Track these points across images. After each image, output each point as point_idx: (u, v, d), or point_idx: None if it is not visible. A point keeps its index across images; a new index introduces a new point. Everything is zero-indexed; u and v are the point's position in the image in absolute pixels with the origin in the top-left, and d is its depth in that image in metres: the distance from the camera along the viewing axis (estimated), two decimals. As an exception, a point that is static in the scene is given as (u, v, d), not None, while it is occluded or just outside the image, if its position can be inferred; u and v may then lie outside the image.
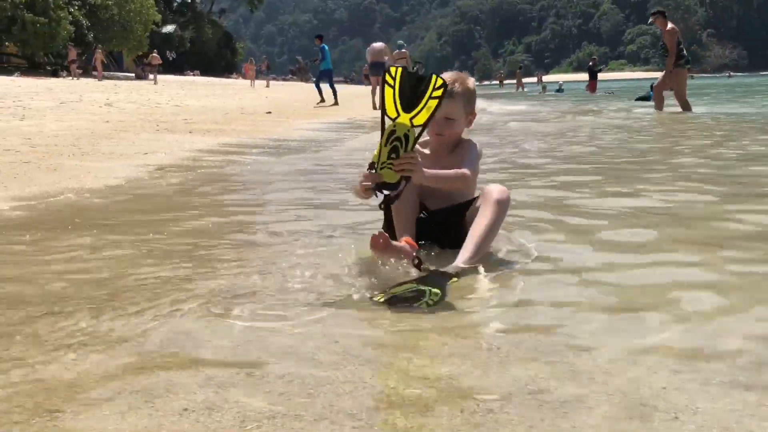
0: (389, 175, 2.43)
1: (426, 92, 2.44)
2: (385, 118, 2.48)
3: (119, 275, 2.72)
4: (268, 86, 37.64)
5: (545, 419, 1.50)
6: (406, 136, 2.43)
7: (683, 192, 4.53)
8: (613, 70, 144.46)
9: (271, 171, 6.58)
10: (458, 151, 2.99)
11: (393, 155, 2.42)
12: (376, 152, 2.45)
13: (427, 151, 3.00)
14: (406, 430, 1.47)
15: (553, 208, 4.04)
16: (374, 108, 18.28)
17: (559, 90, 38.07)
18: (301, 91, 35.14)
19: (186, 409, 1.56)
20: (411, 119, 2.45)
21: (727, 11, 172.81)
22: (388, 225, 2.93)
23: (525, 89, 41.42)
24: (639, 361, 1.81)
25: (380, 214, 2.92)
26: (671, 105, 14.21)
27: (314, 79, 23.73)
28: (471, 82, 3.00)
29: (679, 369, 1.75)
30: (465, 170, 2.81)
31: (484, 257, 2.74)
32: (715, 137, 8.73)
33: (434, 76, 2.47)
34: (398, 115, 2.44)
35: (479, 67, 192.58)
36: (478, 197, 2.88)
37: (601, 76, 35.29)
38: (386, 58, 20.17)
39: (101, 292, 2.49)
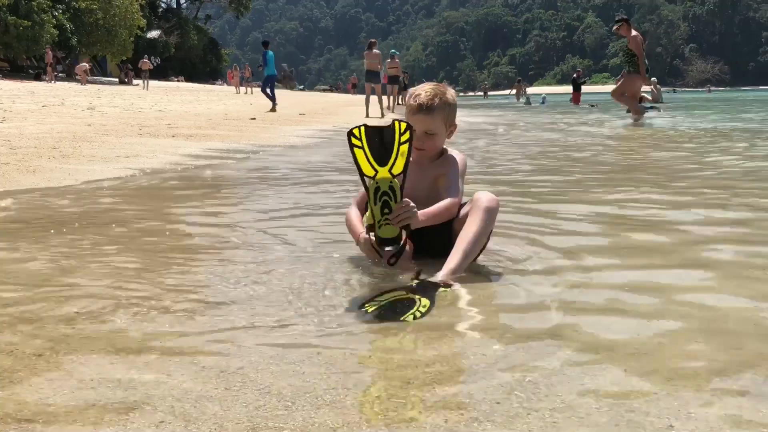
0: (389, 231, 2.46)
1: (394, 140, 2.42)
2: (365, 179, 2.45)
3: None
4: (250, 92, 37.29)
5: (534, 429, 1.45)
6: (392, 188, 2.43)
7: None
8: (596, 83, 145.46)
9: (253, 175, 6.50)
10: (441, 161, 2.94)
11: (386, 210, 2.44)
12: (368, 214, 2.47)
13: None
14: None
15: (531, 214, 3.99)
16: (367, 116, 18.28)
17: (542, 102, 38.48)
18: (286, 98, 35.00)
19: (162, 422, 1.49)
20: (390, 170, 2.43)
21: (709, 26, 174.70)
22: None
23: (524, 100, 40.86)
24: (630, 368, 1.76)
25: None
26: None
27: (300, 87, 23.69)
28: (450, 94, 2.93)
29: (670, 377, 1.70)
30: (451, 199, 2.77)
31: (472, 266, 2.70)
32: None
33: (396, 123, 2.43)
34: (376, 171, 2.42)
35: (464, 78, 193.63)
36: (465, 204, 2.84)
37: (584, 88, 35.56)
38: (379, 67, 20.23)
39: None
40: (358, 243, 2.83)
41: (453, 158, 2.95)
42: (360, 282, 2.59)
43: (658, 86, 30.37)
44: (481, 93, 79.00)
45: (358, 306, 2.29)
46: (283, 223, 3.92)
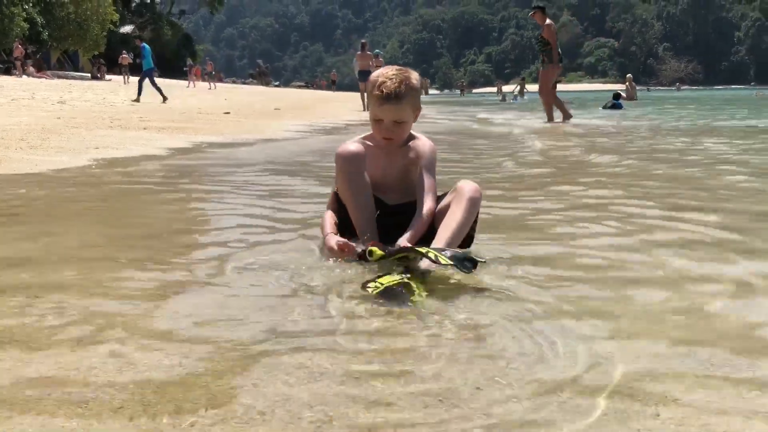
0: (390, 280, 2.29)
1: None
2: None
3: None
4: (214, 87, 36.66)
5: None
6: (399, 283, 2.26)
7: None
8: (571, 81, 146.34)
9: (224, 167, 6.42)
10: (410, 147, 2.88)
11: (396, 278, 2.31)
12: (376, 252, 2.43)
13: (371, 143, 2.87)
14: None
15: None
16: (364, 109, 18.35)
17: (515, 99, 39.02)
18: (261, 93, 34.83)
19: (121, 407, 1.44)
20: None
21: (683, 26, 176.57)
22: (344, 226, 2.82)
23: (525, 98, 40.69)
24: (604, 358, 1.73)
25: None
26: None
27: (276, 83, 23.61)
28: (414, 78, 2.83)
29: (654, 367, 1.68)
30: (430, 205, 2.72)
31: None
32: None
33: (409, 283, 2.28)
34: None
35: (440, 75, 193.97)
36: (445, 194, 2.79)
37: (560, 87, 35.86)
38: (372, 67, 20.39)
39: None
40: (325, 240, 2.74)
41: (424, 149, 2.87)
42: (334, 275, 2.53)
43: (633, 84, 30.62)
44: (458, 90, 79.18)
45: (362, 285, 2.22)
46: (254, 212, 3.86)
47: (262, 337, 1.82)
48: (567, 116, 14.15)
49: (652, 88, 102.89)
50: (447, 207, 2.70)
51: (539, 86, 14.49)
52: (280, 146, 8.91)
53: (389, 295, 2.16)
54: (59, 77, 34.84)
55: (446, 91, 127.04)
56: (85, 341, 1.78)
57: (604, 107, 22.06)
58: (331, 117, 16.30)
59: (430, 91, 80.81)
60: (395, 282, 2.23)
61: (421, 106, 2.93)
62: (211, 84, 39.38)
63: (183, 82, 41.01)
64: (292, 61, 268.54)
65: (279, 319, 1.97)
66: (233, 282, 2.36)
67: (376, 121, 2.80)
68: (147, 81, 20.43)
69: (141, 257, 2.69)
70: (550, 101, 14.18)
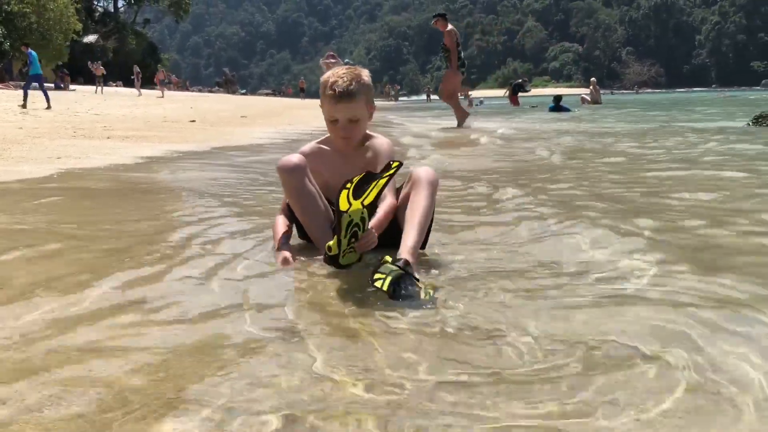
0: (351, 258, 2.48)
1: (377, 177, 2.36)
2: (339, 214, 2.37)
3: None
4: (162, 96, 35.52)
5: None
6: (362, 219, 2.42)
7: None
8: (537, 86, 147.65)
9: (188, 176, 6.33)
10: (367, 147, 2.87)
11: (353, 240, 2.43)
12: (333, 243, 2.41)
13: (328, 147, 2.88)
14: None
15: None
16: None
17: (480, 103, 39.35)
18: (228, 102, 34.59)
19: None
20: (362, 202, 2.38)
21: (645, 30, 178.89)
22: (303, 233, 2.86)
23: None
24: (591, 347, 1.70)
25: None
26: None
27: (243, 91, 23.45)
28: (365, 75, 2.81)
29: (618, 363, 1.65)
30: (392, 201, 2.72)
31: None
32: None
33: (391, 163, 2.37)
34: (350, 205, 2.35)
35: (407, 81, 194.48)
36: (401, 186, 2.77)
37: (532, 91, 36.58)
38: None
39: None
40: (276, 250, 2.75)
41: (381, 148, 2.86)
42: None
43: (597, 87, 30.93)
44: (425, 96, 79.40)
45: (372, 280, 2.21)
46: (214, 221, 3.80)
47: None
48: (462, 123, 14.21)
49: (615, 91, 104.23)
50: (407, 196, 2.68)
51: (440, 91, 14.66)
52: (241, 153, 8.83)
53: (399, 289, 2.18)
54: (21, 88, 34.24)
55: (414, 97, 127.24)
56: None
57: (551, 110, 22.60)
58: (300, 124, 16.19)
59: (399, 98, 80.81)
60: (397, 273, 2.23)
61: (375, 104, 2.90)
62: (163, 91, 38.43)
63: (149, 92, 40.57)
64: (258, 69, 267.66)
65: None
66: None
67: (331, 122, 2.78)
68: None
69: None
70: (456, 104, 14.36)
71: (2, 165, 6.37)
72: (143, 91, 38.53)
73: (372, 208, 2.44)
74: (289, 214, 2.86)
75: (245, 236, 3.21)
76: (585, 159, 7.09)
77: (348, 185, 2.32)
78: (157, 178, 5.88)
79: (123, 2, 76.93)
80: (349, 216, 2.37)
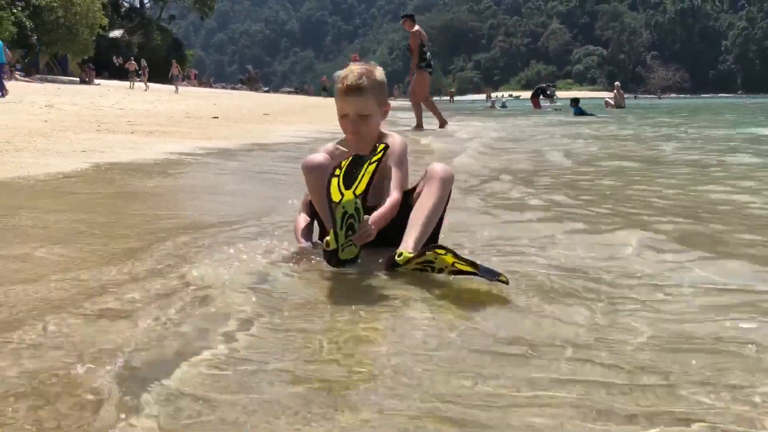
0: (350, 252, 2.46)
1: (366, 162, 2.39)
2: (332, 205, 2.38)
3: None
4: (176, 92, 34.92)
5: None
6: (357, 209, 2.41)
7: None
8: (560, 89, 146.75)
9: (209, 170, 6.39)
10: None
11: (350, 232, 2.42)
12: (330, 239, 2.42)
13: (345, 149, 2.91)
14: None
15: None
16: None
17: (503, 106, 39.28)
18: (250, 99, 34.76)
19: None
20: (354, 192, 2.38)
21: (670, 34, 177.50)
22: (322, 231, 2.87)
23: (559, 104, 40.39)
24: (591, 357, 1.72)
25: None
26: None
27: (266, 89, 23.56)
28: (379, 72, 2.85)
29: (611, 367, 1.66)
30: (396, 196, 2.72)
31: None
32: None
33: (377, 146, 2.43)
34: (342, 195, 2.36)
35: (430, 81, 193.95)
36: (417, 184, 2.79)
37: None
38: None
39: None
40: (298, 243, 2.84)
41: (394, 146, 2.85)
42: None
43: (621, 91, 30.77)
44: (447, 97, 79.21)
45: (392, 263, 2.39)
46: (232, 216, 3.84)
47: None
48: (420, 126, 14.06)
49: (639, 96, 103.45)
50: (421, 192, 2.71)
51: (411, 93, 14.64)
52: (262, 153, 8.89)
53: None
54: (48, 81, 34.64)
55: (435, 97, 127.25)
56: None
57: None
58: (321, 122, 16.24)
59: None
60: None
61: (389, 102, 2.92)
62: (177, 87, 37.35)
63: (171, 87, 40.77)
64: (281, 66, 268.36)
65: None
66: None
67: (342, 117, 2.82)
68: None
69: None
70: (432, 106, 14.48)
71: (29, 157, 6.47)
72: (151, 85, 38.13)
73: (364, 196, 2.42)
74: (311, 211, 2.90)
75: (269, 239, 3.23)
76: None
77: (337, 171, 2.34)
78: (180, 181, 5.94)
79: (149, -2, 77.56)
80: (343, 207, 2.37)
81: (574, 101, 23.85)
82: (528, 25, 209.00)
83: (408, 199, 2.75)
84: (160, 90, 34.67)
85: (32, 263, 2.61)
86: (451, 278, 2.37)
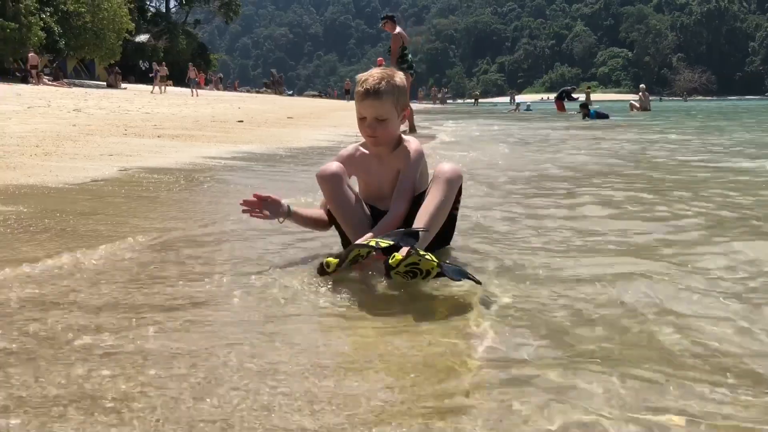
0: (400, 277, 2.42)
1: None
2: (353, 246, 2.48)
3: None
4: (196, 95, 34.69)
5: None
6: (369, 251, 2.44)
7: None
8: (584, 91, 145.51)
9: (235, 176, 6.42)
10: (399, 152, 2.87)
11: (353, 263, 2.50)
12: (333, 263, 2.45)
13: (366, 151, 2.93)
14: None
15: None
16: None
17: (528, 109, 39.33)
18: (274, 102, 34.92)
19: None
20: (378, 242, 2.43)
21: (696, 36, 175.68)
22: (344, 239, 2.89)
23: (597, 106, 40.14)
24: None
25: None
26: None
27: (290, 92, 23.63)
28: (399, 77, 2.84)
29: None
30: (398, 210, 2.73)
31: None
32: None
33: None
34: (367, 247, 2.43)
35: (453, 85, 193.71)
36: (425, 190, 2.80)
37: (575, 96, 36.20)
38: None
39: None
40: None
41: (408, 152, 2.86)
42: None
43: (646, 94, 30.50)
44: (472, 100, 79.03)
45: (387, 270, 2.34)
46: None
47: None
48: (413, 130, 14.11)
49: (665, 98, 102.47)
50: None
51: None
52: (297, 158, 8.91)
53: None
54: (75, 86, 35.02)
55: (459, 100, 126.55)
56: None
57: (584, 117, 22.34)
58: (345, 126, 16.25)
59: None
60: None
61: (410, 105, 2.92)
62: (194, 91, 36.61)
63: (201, 91, 41.08)
64: (305, 70, 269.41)
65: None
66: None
67: (360, 120, 2.82)
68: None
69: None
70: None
71: (57, 161, 6.54)
72: (175, 89, 38.06)
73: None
74: (329, 216, 2.95)
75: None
76: None
77: (372, 243, 2.39)
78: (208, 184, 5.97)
79: (175, 3, 78.20)
80: (359, 251, 2.43)
81: (583, 106, 23.56)
82: (552, 27, 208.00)
83: (420, 200, 2.75)
84: (184, 94, 34.87)
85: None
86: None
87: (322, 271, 2.47)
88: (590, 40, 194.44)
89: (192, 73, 39.96)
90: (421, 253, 2.32)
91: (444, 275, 2.27)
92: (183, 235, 3.43)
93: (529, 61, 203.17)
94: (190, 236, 3.41)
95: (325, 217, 2.95)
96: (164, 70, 39.24)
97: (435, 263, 2.29)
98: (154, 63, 41.67)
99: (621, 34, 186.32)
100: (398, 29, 14.05)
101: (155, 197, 4.79)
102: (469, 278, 2.24)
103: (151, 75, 39.63)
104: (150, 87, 37.81)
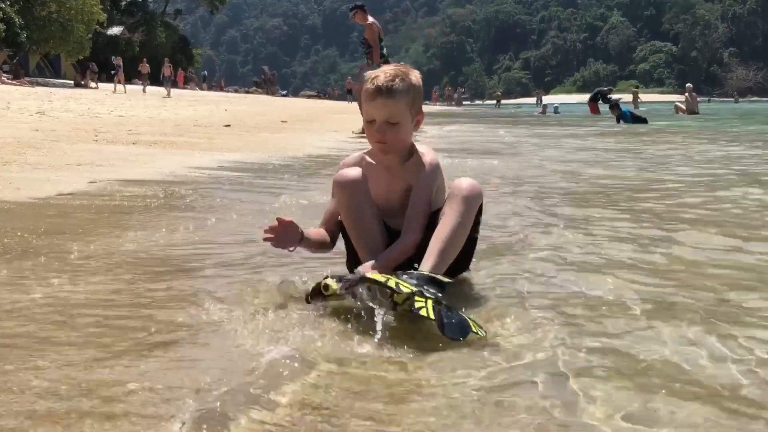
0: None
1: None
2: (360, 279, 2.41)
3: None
4: (169, 95, 34.47)
5: None
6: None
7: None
8: (622, 90, 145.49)
9: (221, 191, 6.42)
10: (412, 164, 2.84)
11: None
12: (334, 286, 2.43)
13: (373, 161, 2.89)
14: None
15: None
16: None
17: (556, 111, 39.42)
18: (266, 104, 35.02)
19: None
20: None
21: (751, 28, 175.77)
22: (353, 257, 2.86)
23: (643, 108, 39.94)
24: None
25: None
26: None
27: (283, 92, 23.75)
28: (415, 76, 2.79)
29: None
30: (410, 238, 2.70)
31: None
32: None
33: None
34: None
35: (471, 83, 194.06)
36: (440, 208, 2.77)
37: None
38: None
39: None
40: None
41: (421, 164, 2.83)
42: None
43: (693, 94, 30.42)
44: (494, 101, 79.14)
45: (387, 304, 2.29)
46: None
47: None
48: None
49: (714, 98, 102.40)
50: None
51: (358, 91, 14.65)
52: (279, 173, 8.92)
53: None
54: (39, 85, 35.19)
55: (477, 101, 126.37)
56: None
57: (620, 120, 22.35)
58: (346, 131, 16.29)
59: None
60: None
61: (423, 110, 2.88)
62: (169, 91, 36.13)
63: (178, 91, 41.28)
64: (302, 67, 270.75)
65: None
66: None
67: (368, 123, 2.77)
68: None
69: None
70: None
71: (18, 172, 6.55)
72: (130, 87, 37.74)
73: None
74: (334, 229, 2.91)
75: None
76: None
77: (391, 283, 2.31)
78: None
79: (153, -10, 78.84)
80: (373, 283, 2.36)
81: (614, 107, 23.58)
82: (585, 18, 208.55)
83: (435, 219, 2.72)
84: (161, 93, 34.89)
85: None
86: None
87: (316, 293, 2.45)
88: (628, 32, 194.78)
89: (167, 69, 39.59)
90: (403, 285, 2.29)
91: (442, 331, 2.18)
92: (161, 255, 3.42)
93: (558, 57, 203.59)
94: (168, 258, 3.40)
95: (328, 238, 2.91)
96: (146, 67, 39.25)
97: (433, 317, 2.21)
98: (114, 57, 41.68)
99: (664, 26, 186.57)
100: (371, 19, 14.25)
101: (129, 214, 4.79)
102: (471, 333, 2.18)
103: (113, 72, 39.25)
104: (112, 85, 37.62)
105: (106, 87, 38.53)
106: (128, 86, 38.41)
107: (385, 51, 14.36)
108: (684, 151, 10.96)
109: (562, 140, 14.62)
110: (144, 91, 34.90)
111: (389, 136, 2.72)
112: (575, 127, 20.91)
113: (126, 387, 1.81)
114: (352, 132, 14.65)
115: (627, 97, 35.36)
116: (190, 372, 1.93)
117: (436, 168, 2.84)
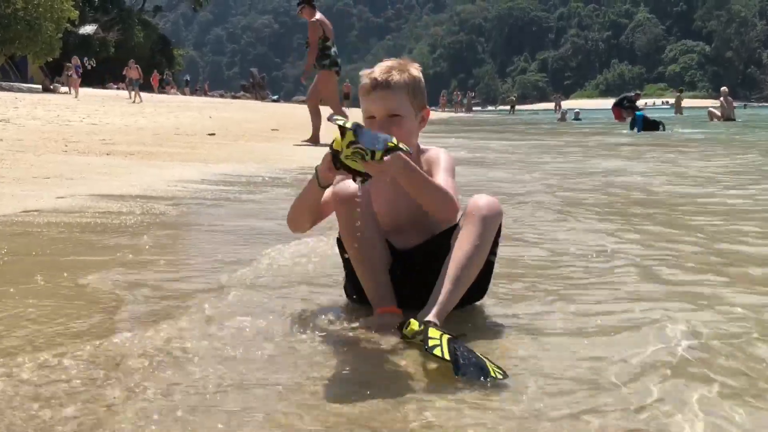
0: (354, 164, 2.40)
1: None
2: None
3: None
4: (138, 101, 33.78)
5: None
6: (373, 152, 2.36)
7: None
8: (650, 95, 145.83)
9: (205, 207, 6.42)
10: (421, 163, 2.83)
11: (358, 152, 2.37)
12: (337, 139, 2.40)
13: None
14: None
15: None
16: None
17: (576, 118, 39.66)
18: (256, 110, 35.09)
19: None
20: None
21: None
22: (353, 285, 2.85)
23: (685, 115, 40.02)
24: None
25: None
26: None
27: (274, 97, 23.87)
28: (415, 69, 2.83)
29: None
30: (450, 191, 2.69)
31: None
32: None
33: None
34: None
35: (482, 87, 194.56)
36: (459, 221, 2.74)
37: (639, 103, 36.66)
38: None
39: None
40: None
41: (436, 158, 2.86)
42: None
43: (729, 99, 30.48)
44: (508, 107, 79.35)
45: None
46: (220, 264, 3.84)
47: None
48: (315, 139, 14.19)
49: (752, 103, 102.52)
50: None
51: (312, 95, 14.80)
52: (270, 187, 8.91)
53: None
54: (2, 89, 35.25)
55: (489, 107, 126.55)
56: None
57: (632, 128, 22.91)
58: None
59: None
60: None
61: (428, 106, 2.89)
62: (135, 96, 35.17)
63: (159, 96, 41.33)
64: (294, 69, 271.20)
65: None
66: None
67: (368, 121, 2.77)
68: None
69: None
70: (316, 112, 14.38)
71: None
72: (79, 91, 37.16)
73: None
74: (339, 249, 2.90)
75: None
76: None
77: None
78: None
79: (129, -15, 79.19)
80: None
81: (629, 109, 23.91)
82: (608, 15, 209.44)
83: (448, 239, 2.69)
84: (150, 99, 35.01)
85: None
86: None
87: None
88: (656, 30, 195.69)
89: (133, 71, 38.96)
90: (440, 334, 2.27)
91: (458, 371, 2.13)
92: (137, 280, 3.41)
93: (578, 58, 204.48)
94: (150, 283, 3.39)
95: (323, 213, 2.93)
96: (135, 72, 39.00)
97: (448, 358, 2.16)
98: (74, 57, 41.48)
99: (696, 23, 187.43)
100: (318, 15, 14.27)
101: (102, 233, 4.78)
102: (489, 377, 2.12)
103: (68, 74, 38.79)
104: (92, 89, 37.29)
105: (85, 91, 38.43)
106: (119, 92, 38.00)
107: (333, 52, 14.24)
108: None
109: (589, 161, 13.46)
110: (136, 101, 33.47)
111: (393, 132, 2.61)
112: (603, 135, 20.89)
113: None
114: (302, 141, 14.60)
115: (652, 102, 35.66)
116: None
117: (451, 158, 2.89)
